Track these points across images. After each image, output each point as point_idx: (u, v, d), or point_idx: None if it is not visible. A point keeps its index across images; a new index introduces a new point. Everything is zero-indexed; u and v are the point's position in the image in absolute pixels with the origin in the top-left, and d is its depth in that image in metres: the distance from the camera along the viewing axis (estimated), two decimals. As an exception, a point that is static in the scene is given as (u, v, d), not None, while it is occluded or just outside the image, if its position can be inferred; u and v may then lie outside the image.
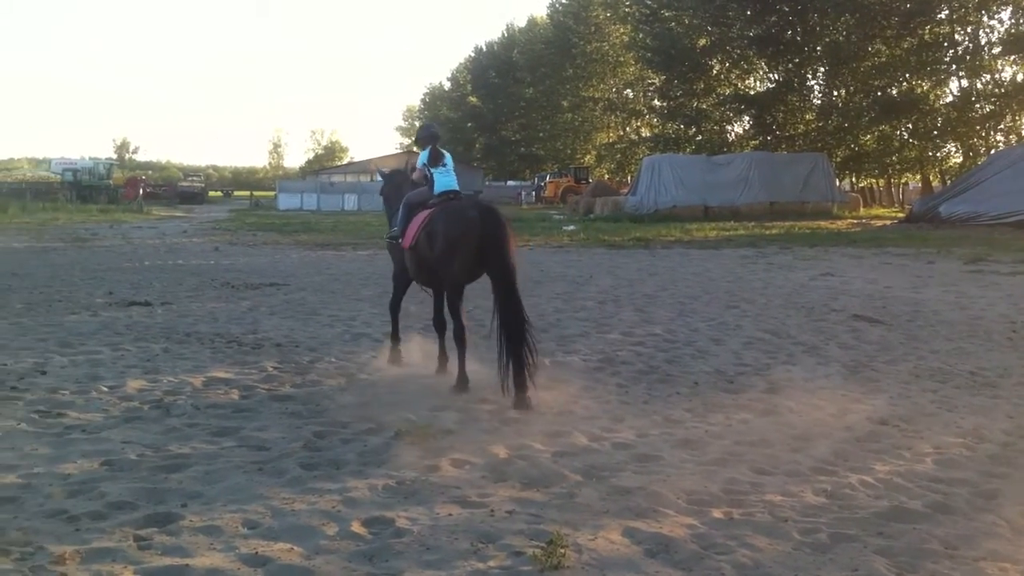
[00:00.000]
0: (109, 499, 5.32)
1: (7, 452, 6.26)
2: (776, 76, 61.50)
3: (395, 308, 9.76)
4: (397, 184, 10.10)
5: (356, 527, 4.96)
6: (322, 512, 5.17)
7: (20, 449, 6.34)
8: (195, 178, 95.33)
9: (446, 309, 8.75)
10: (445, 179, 9.08)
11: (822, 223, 38.12)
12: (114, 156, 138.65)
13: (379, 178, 11.08)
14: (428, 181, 9.19)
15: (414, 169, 9.63)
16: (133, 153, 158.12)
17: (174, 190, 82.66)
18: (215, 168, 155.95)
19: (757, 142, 59.97)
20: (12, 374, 8.69)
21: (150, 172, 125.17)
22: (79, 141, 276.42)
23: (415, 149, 9.43)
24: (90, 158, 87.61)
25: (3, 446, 6.41)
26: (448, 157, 9.29)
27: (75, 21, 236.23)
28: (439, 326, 9.11)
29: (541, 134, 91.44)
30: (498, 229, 8.18)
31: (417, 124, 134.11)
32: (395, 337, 9.71)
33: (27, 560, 4.49)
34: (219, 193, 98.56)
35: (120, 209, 54.42)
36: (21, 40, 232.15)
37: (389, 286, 10.01)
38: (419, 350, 9.81)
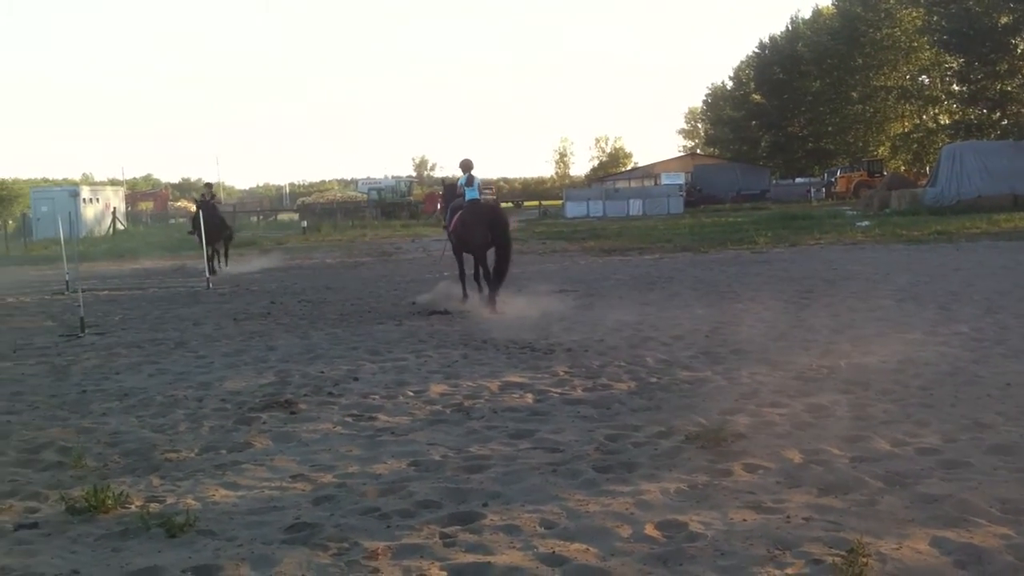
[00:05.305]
0: (417, 498, 5.62)
1: (325, 454, 6.79)
2: (1091, 50, 56.16)
3: (461, 275, 15.90)
4: (450, 195, 17.58)
5: (650, 530, 4.99)
6: (616, 514, 5.24)
7: (336, 451, 6.85)
8: (487, 191, 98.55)
9: (479, 266, 15.56)
10: (472, 193, 15.43)
11: None
12: (414, 174, 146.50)
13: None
14: (462, 194, 15.70)
15: (460, 187, 15.98)
16: (431, 170, 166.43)
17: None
18: (505, 180, 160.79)
19: (1073, 123, 55.03)
20: (328, 380, 9.42)
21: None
22: (383, 161, 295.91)
23: (461, 172, 15.86)
24: (392, 177, 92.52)
25: (321, 448, 6.96)
26: (477, 180, 15.58)
27: (366, 49, 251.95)
28: (476, 278, 15.59)
29: (830, 128, 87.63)
30: (499, 216, 15.71)
31: (700, 126, 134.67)
32: (465, 294, 15.65)
33: (343, 556, 4.81)
34: (510, 204, 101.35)
35: (420, 224, 57.24)
36: (332, 77, 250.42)
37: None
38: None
